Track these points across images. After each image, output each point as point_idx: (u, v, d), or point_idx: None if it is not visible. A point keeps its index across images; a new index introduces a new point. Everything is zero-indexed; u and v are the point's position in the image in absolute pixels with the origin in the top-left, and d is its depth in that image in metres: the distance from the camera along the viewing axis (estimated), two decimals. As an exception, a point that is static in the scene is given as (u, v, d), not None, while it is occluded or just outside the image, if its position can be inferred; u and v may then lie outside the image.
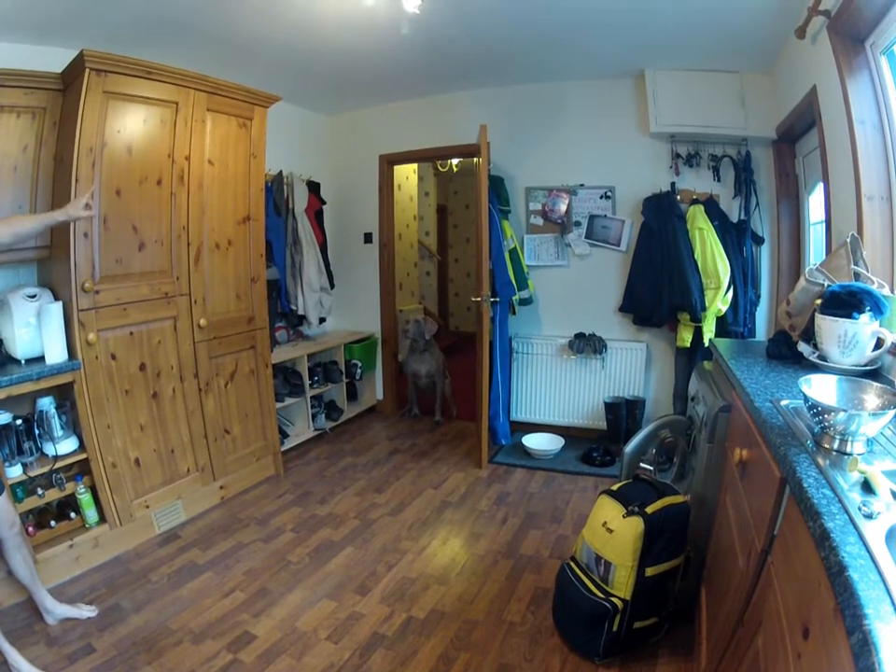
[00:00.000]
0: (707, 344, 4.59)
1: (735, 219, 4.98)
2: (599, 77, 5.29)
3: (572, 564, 2.98)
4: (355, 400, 6.80)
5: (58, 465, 3.37)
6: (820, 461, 1.48)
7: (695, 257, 4.79)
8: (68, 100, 3.47)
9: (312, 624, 3.05)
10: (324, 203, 6.21)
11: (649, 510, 2.67)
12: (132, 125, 3.62)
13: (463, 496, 4.60)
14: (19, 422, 3.27)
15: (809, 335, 2.66)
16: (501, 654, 2.82)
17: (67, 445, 3.44)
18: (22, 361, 3.34)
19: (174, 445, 4.07)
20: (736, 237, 4.90)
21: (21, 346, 3.33)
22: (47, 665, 2.69)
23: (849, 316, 2.36)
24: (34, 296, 3.41)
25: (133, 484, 3.81)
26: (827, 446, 1.58)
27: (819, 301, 2.55)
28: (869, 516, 1.21)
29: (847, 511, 1.22)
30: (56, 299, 3.48)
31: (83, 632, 2.97)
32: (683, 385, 5.02)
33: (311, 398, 5.76)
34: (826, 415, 1.57)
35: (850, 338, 2.36)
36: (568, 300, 5.74)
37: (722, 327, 4.87)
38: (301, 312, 5.75)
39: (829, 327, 2.43)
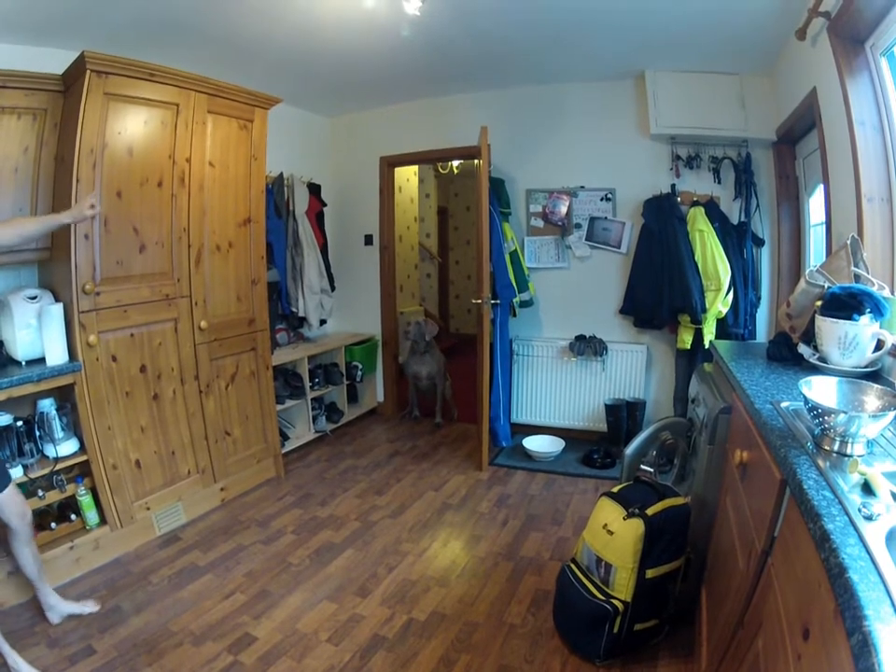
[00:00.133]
0: (707, 346, 4.59)
1: (735, 221, 4.98)
2: (600, 79, 5.29)
3: (573, 566, 2.98)
4: (355, 402, 6.80)
5: (58, 466, 3.37)
6: (821, 463, 1.48)
7: (696, 259, 4.79)
8: (69, 101, 3.47)
9: (312, 626, 3.05)
10: (325, 204, 6.22)
11: (649, 511, 2.67)
12: (132, 127, 3.63)
13: (464, 498, 4.60)
14: (19, 423, 3.27)
15: (809, 337, 2.66)
16: (502, 656, 2.82)
17: (68, 447, 3.44)
18: (23, 363, 3.35)
19: (174, 447, 4.07)
20: (737, 239, 4.90)
21: (21, 348, 3.33)
22: (47, 667, 2.68)
23: (850, 318, 2.36)
24: (34, 297, 3.41)
25: (134, 486, 3.81)
26: (827, 448, 1.58)
27: (819, 303, 2.55)
28: (869, 518, 1.21)
29: (847, 513, 1.22)
30: (57, 300, 3.48)
31: (84, 633, 2.97)
32: (684, 387, 5.02)
33: (311, 400, 5.76)
34: (826, 417, 1.57)
35: (850, 340, 2.36)
36: (569, 302, 5.74)
37: (723, 328, 4.87)
38: (301, 314, 5.75)
39: (829, 328, 2.43)
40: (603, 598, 2.70)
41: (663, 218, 4.99)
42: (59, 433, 3.41)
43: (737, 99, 4.76)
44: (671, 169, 5.17)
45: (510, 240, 5.46)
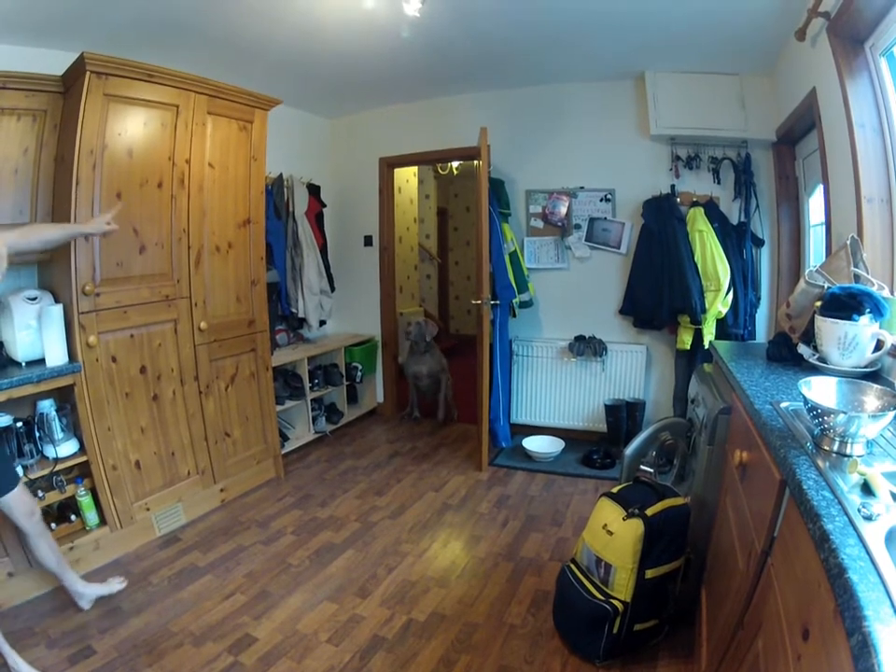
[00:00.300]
0: (707, 347, 4.59)
1: (735, 222, 4.98)
2: (599, 80, 5.30)
3: (572, 566, 2.98)
4: (355, 403, 6.80)
5: (58, 467, 3.36)
6: (820, 463, 1.48)
7: (695, 259, 4.80)
8: (69, 103, 3.47)
9: (312, 627, 3.05)
10: (324, 205, 6.22)
11: (649, 512, 2.67)
12: (132, 128, 3.63)
13: (463, 498, 4.60)
14: (19, 424, 3.27)
15: (809, 337, 2.66)
16: (502, 657, 2.82)
17: (68, 448, 3.44)
18: (23, 364, 3.35)
19: (174, 448, 4.07)
20: (736, 239, 4.90)
21: (21, 349, 3.33)
22: (47, 668, 2.68)
23: (849, 318, 2.36)
24: (34, 298, 3.41)
25: (134, 487, 3.81)
26: (827, 448, 1.58)
27: (818, 303, 2.55)
28: (869, 518, 1.21)
29: (846, 513, 1.22)
30: (57, 301, 3.48)
31: (83, 634, 2.96)
32: (683, 388, 5.02)
33: (311, 400, 5.76)
34: (826, 417, 1.57)
35: (850, 340, 2.36)
36: (569, 302, 5.74)
37: (722, 329, 4.87)
38: (301, 315, 5.75)
39: (829, 329, 2.43)
40: (603, 599, 2.70)
41: (662, 219, 4.99)
42: (59, 434, 3.41)
43: (737, 99, 4.76)
44: (671, 169, 5.17)
45: (509, 241, 5.46)
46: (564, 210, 5.58)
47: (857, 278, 2.68)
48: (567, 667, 2.74)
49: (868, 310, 2.34)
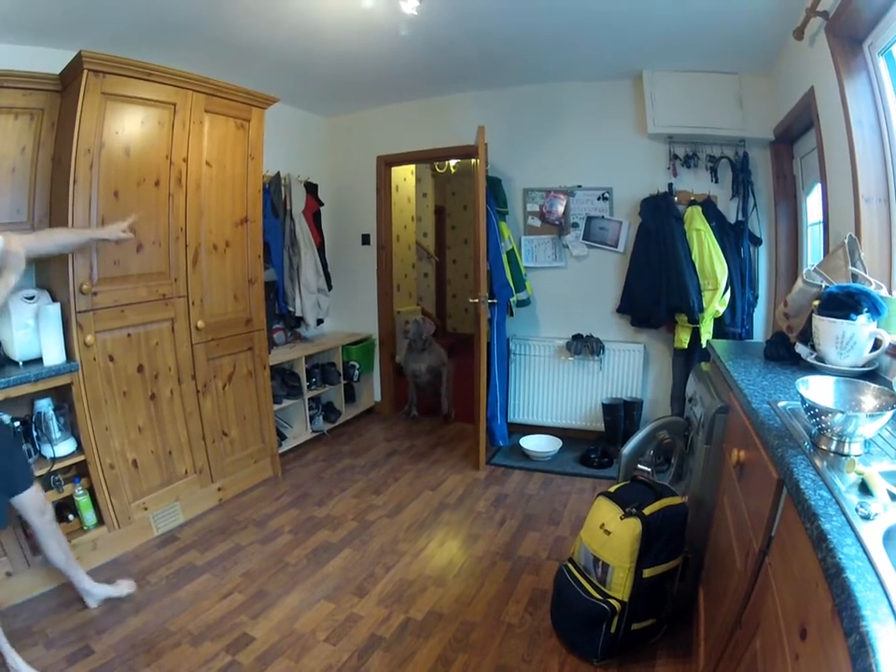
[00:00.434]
0: (704, 346, 4.60)
1: (732, 220, 4.98)
2: (597, 79, 5.29)
3: (570, 565, 2.98)
4: (352, 402, 6.79)
5: (56, 467, 3.36)
6: (818, 462, 1.48)
7: (693, 258, 4.80)
8: (66, 101, 3.46)
9: (310, 626, 3.05)
10: (322, 204, 6.21)
11: (646, 511, 2.67)
12: (130, 126, 3.62)
13: (461, 497, 4.60)
14: (17, 424, 3.27)
15: (807, 336, 2.66)
16: (499, 655, 2.82)
17: (65, 447, 3.43)
18: (20, 363, 3.34)
19: (171, 447, 4.06)
20: (734, 238, 4.90)
21: (18, 348, 3.32)
22: (46, 668, 2.68)
23: (847, 318, 2.36)
24: (31, 298, 3.41)
25: (132, 486, 3.81)
26: (824, 447, 1.58)
27: (816, 303, 2.56)
28: (866, 517, 1.21)
29: (844, 513, 1.22)
30: (54, 300, 3.48)
31: (82, 634, 2.96)
32: (681, 387, 5.02)
33: (309, 399, 5.76)
34: (823, 417, 1.57)
35: (848, 339, 2.37)
36: (566, 301, 5.75)
37: (720, 328, 4.88)
38: (298, 313, 5.75)
39: (826, 328, 2.43)
40: (600, 598, 2.70)
41: (660, 218, 4.99)
42: (56, 433, 3.40)
43: (735, 98, 4.76)
44: (668, 168, 5.18)
45: (507, 239, 5.46)
46: (561, 209, 5.58)
47: (855, 277, 2.69)
48: (565, 666, 2.74)
49: (866, 309, 2.35)
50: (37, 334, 3.34)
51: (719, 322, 4.86)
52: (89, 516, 3.61)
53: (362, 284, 6.77)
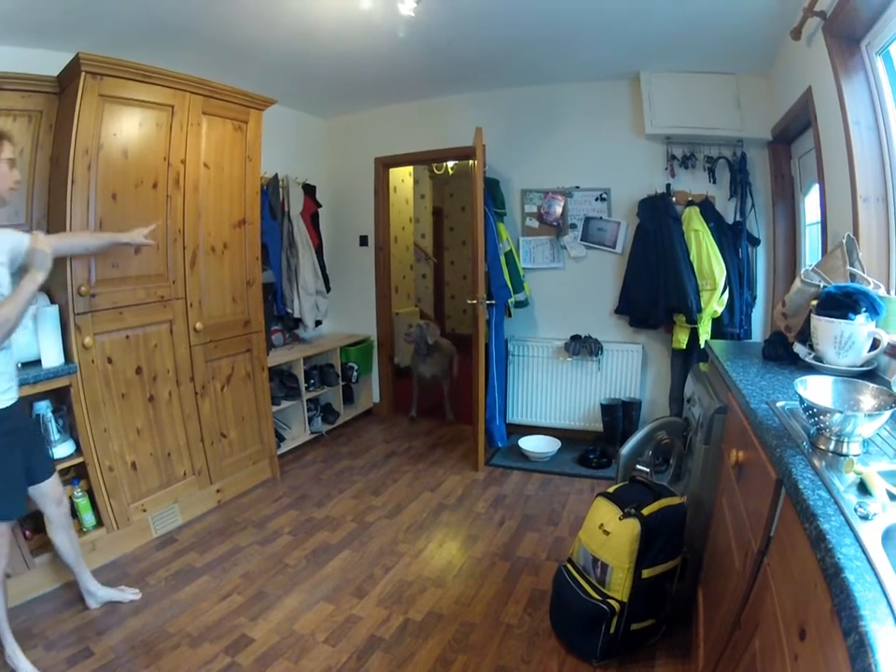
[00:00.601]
0: (702, 346, 4.60)
1: (730, 221, 4.99)
2: (595, 80, 5.30)
3: (569, 566, 2.99)
4: (351, 403, 6.79)
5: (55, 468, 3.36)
6: (816, 462, 1.48)
7: (691, 258, 4.80)
8: (64, 103, 3.46)
9: (309, 627, 3.05)
10: (319, 206, 6.22)
11: (645, 511, 2.67)
12: (127, 128, 3.62)
13: (460, 498, 4.60)
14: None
15: (805, 336, 2.66)
16: (499, 656, 2.82)
17: (64, 449, 3.43)
18: (19, 365, 3.31)
19: (170, 449, 4.06)
20: (732, 239, 4.90)
21: (17, 350, 3.29)
22: (46, 669, 2.69)
23: (845, 317, 2.36)
24: (30, 299, 3.40)
25: (130, 488, 3.81)
26: (823, 447, 1.58)
27: (814, 302, 2.56)
28: (865, 517, 1.21)
29: (842, 513, 1.22)
30: (52, 302, 3.47)
31: (81, 635, 2.96)
32: (679, 387, 5.03)
33: (307, 401, 5.75)
34: (822, 417, 1.57)
35: (846, 339, 2.37)
36: (564, 302, 5.75)
37: (718, 328, 4.88)
38: (296, 315, 5.75)
39: (825, 328, 2.43)
40: (599, 598, 2.70)
41: (658, 218, 4.99)
42: (55, 435, 3.40)
43: (733, 99, 4.77)
44: (666, 169, 5.18)
45: (505, 240, 5.47)
46: (559, 210, 5.58)
47: (853, 277, 2.69)
48: (565, 667, 2.74)
49: (864, 309, 2.35)
50: (36, 336, 3.33)
51: (717, 322, 4.87)
52: (88, 518, 3.61)
53: (360, 285, 6.77)
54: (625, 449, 3.43)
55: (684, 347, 4.95)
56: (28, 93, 3.39)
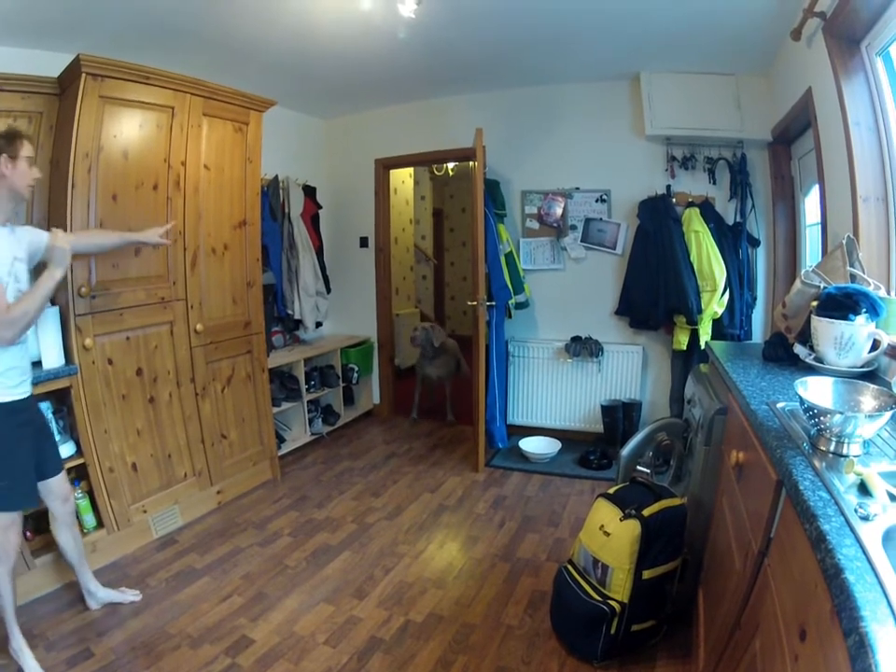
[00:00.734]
0: (703, 347, 4.60)
1: (730, 222, 4.99)
2: (595, 80, 5.30)
3: (569, 567, 2.98)
4: (351, 405, 6.79)
5: (55, 470, 3.36)
6: (817, 463, 1.48)
7: (691, 259, 4.80)
8: (65, 104, 3.46)
9: (309, 629, 3.05)
10: (320, 207, 6.23)
11: (645, 512, 2.67)
12: (128, 130, 3.62)
13: (460, 499, 4.60)
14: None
15: (805, 337, 2.66)
16: (499, 657, 2.82)
17: (64, 450, 3.41)
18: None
19: (171, 450, 4.06)
20: (732, 239, 4.90)
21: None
22: (47, 670, 2.68)
23: (845, 318, 2.36)
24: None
25: (131, 489, 3.81)
26: (823, 448, 1.58)
27: (815, 303, 2.56)
28: (865, 518, 1.21)
29: (843, 514, 1.22)
30: (53, 303, 3.45)
31: (81, 636, 2.96)
32: (680, 388, 5.03)
33: (307, 402, 5.75)
34: (822, 418, 1.57)
35: (846, 340, 2.37)
36: (565, 303, 5.75)
37: (719, 329, 4.88)
38: (297, 316, 5.76)
39: (825, 329, 2.43)
40: (600, 599, 2.70)
41: (658, 219, 4.99)
42: (55, 436, 3.39)
43: (733, 99, 4.77)
44: (666, 170, 5.18)
45: (505, 241, 5.47)
46: (559, 211, 5.59)
47: (853, 278, 2.69)
48: (565, 668, 2.74)
49: (864, 310, 2.35)
50: (36, 337, 3.32)
51: (717, 323, 4.87)
52: (88, 519, 3.61)
53: (361, 286, 6.77)
54: (626, 450, 3.43)
55: (684, 348, 4.94)
56: (28, 94, 3.39)
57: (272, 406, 5.02)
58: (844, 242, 2.79)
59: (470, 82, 5.50)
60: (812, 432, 1.66)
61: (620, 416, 5.37)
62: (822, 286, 2.64)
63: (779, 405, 1.99)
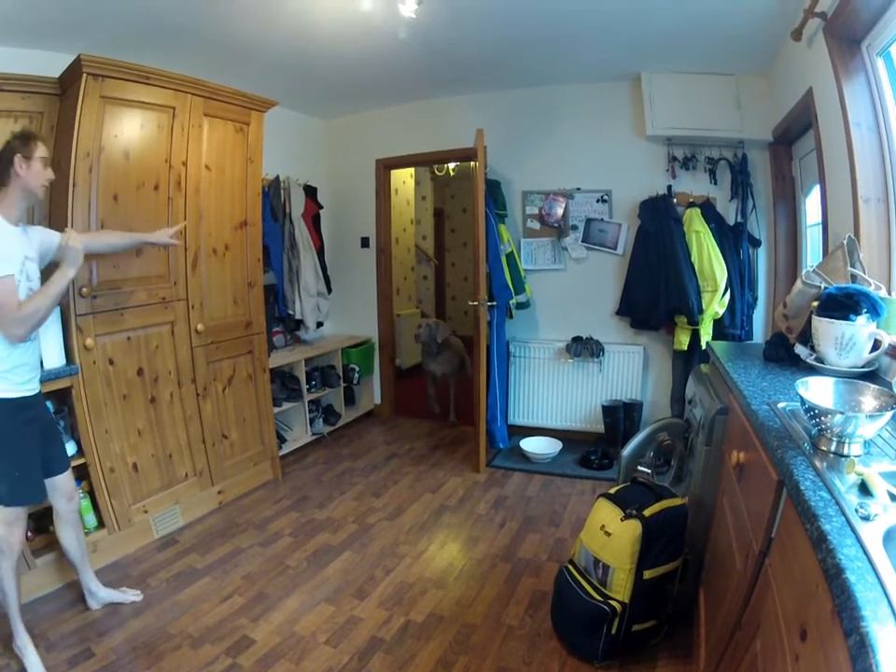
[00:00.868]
0: (704, 347, 4.60)
1: (731, 222, 4.99)
2: (596, 81, 5.30)
3: (570, 567, 2.98)
4: (352, 405, 6.79)
5: (56, 470, 3.36)
6: (817, 463, 1.48)
7: (692, 259, 4.80)
8: (65, 105, 3.47)
9: (310, 629, 3.05)
10: (321, 207, 6.23)
11: (646, 513, 2.67)
12: (129, 130, 3.63)
13: (461, 499, 4.60)
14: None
15: (806, 337, 2.66)
16: (500, 658, 2.82)
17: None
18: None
19: (171, 450, 4.06)
20: (733, 240, 4.90)
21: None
22: (47, 670, 2.68)
23: (846, 318, 2.36)
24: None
25: (132, 489, 3.81)
26: (824, 448, 1.58)
27: (815, 304, 2.56)
28: (866, 518, 1.21)
29: (844, 514, 1.22)
30: (53, 304, 3.48)
31: (82, 636, 2.96)
32: (681, 388, 5.03)
33: (308, 402, 5.75)
34: (823, 418, 1.57)
35: (847, 340, 2.36)
36: (566, 303, 5.75)
37: (719, 329, 4.88)
38: (298, 316, 5.76)
39: (826, 329, 2.43)
40: (601, 599, 2.70)
41: (659, 220, 4.99)
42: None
43: (734, 100, 4.77)
44: (667, 170, 5.18)
45: (506, 242, 5.46)
46: (560, 211, 5.59)
47: (854, 278, 2.69)
48: (566, 668, 2.74)
49: (865, 310, 2.35)
50: (37, 337, 3.33)
51: (718, 323, 4.87)
52: (89, 519, 3.61)
53: (362, 287, 6.77)
54: (627, 450, 3.43)
55: (685, 348, 4.94)
56: (29, 95, 3.39)
57: (273, 406, 5.02)
58: (845, 242, 2.79)
59: (471, 82, 5.50)
60: (813, 432, 1.66)
61: (621, 416, 5.37)
62: (823, 286, 2.64)
63: (780, 405, 1.99)
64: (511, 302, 5.41)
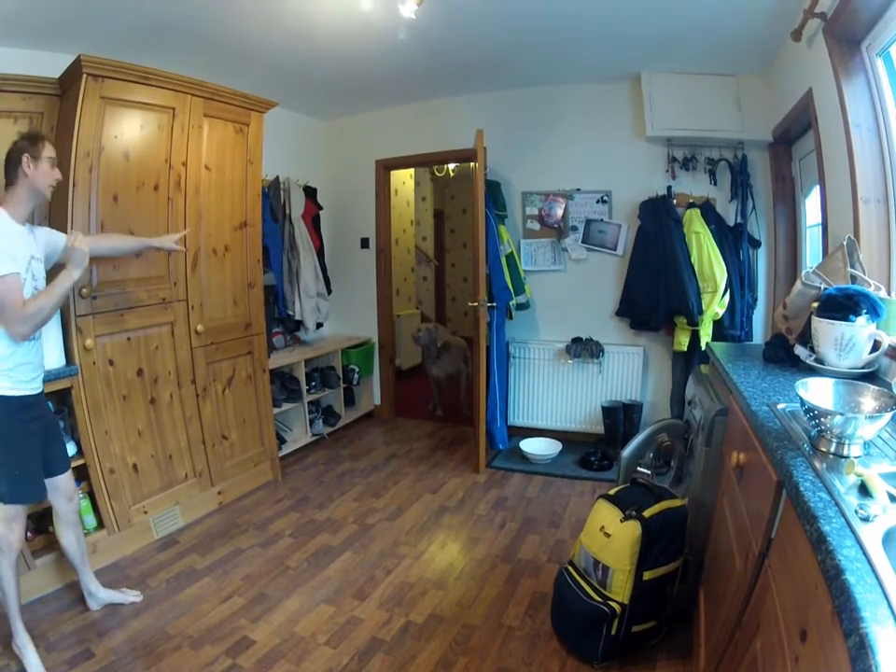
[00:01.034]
0: (703, 348, 4.60)
1: (731, 223, 4.99)
2: (596, 81, 5.30)
3: (570, 568, 2.98)
4: (352, 406, 6.79)
5: (56, 470, 3.36)
6: (817, 464, 1.48)
7: (692, 260, 4.80)
8: (65, 105, 3.47)
9: (310, 629, 3.05)
10: (321, 208, 6.23)
11: (646, 514, 2.67)
12: (129, 131, 3.63)
13: (461, 500, 4.60)
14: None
15: (806, 338, 2.66)
16: (500, 658, 2.82)
17: (65, 451, 3.43)
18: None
19: (171, 451, 4.06)
20: (733, 240, 4.90)
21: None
22: (47, 670, 2.68)
23: (846, 319, 2.36)
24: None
25: (131, 490, 3.81)
26: (824, 449, 1.58)
27: (815, 304, 2.56)
28: (866, 519, 1.21)
29: (843, 515, 1.22)
30: (53, 304, 3.48)
31: (82, 637, 2.96)
32: (680, 389, 5.03)
33: (308, 403, 5.75)
34: (823, 419, 1.57)
35: (847, 341, 2.36)
36: (565, 304, 5.75)
37: (719, 330, 4.88)
38: (298, 317, 5.76)
39: (825, 330, 2.43)
40: (601, 600, 2.70)
41: (659, 220, 4.99)
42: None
43: (733, 100, 4.77)
44: (667, 171, 5.18)
45: (506, 242, 5.47)
46: (560, 212, 5.59)
47: (853, 279, 2.68)
48: (566, 669, 2.74)
49: (865, 311, 2.34)
50: (40, 336, 3.33)
51: (718, 324, 4.87)
52: (88, 520, 3.61)
53: (361, 287, 6.77)
54: (626, 451, 3.44)
55: (685, 349, 4.94)
56: (29, 95, 3.39)
57: (272, 407, 5.02)
58: (844, 243, 2.79)
59: (471, 83, 5.50)
60: (813, 433, 1.66)
61: (620, 417, 5.37)
62: (823, 287, 2.64)
63: (780, 406, 1.99)
64: (510, 303, 5.41)
